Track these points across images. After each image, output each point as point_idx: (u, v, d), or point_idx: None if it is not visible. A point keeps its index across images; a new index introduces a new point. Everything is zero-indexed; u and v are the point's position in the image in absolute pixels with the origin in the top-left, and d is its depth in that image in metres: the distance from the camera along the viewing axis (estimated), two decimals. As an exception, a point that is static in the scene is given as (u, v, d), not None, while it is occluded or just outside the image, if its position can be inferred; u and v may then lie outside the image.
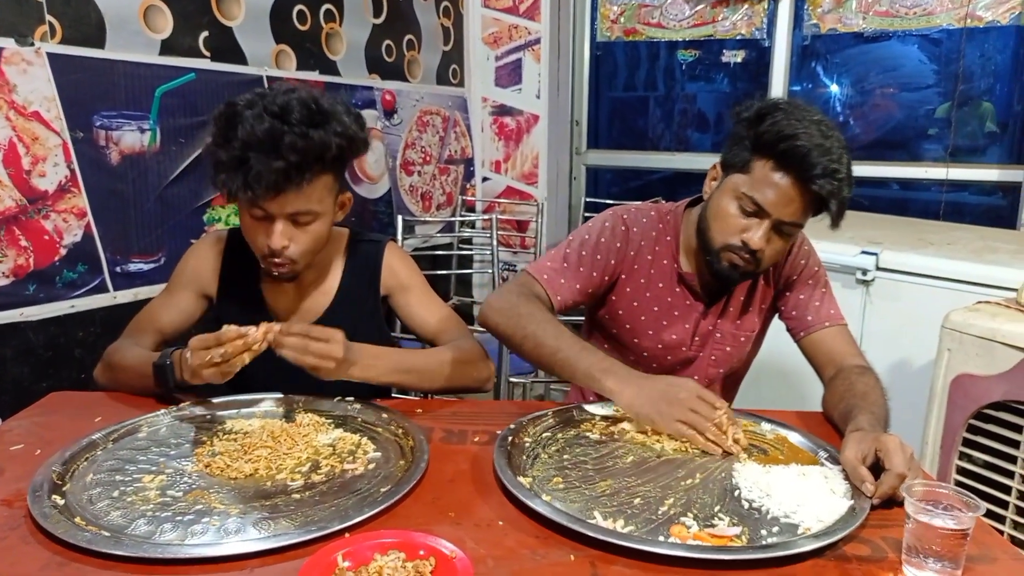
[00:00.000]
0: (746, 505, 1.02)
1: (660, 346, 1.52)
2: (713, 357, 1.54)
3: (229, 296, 1.47)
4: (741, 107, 1.37)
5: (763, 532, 0.95)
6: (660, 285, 1.50)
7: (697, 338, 1.53)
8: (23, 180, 2.08)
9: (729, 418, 1.17)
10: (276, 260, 1.33)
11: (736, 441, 1.16)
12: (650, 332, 1.52)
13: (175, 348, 1.30)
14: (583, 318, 1.68)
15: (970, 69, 3.13)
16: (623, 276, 1.50)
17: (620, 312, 1.52)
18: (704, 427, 1.15)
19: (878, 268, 2.19)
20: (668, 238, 1.50)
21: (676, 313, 1.51)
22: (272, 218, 1.29)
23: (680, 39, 3.68)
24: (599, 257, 1.47)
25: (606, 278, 1.48)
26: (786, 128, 1.26)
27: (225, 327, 1.20)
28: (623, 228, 1.49)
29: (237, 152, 1.22)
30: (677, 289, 1.50)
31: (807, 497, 1.02)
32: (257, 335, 1.19)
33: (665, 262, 1.50)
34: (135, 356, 1.36)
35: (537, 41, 3.79)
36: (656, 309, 1.51)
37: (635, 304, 1.51)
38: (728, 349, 1.54)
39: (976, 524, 0.88)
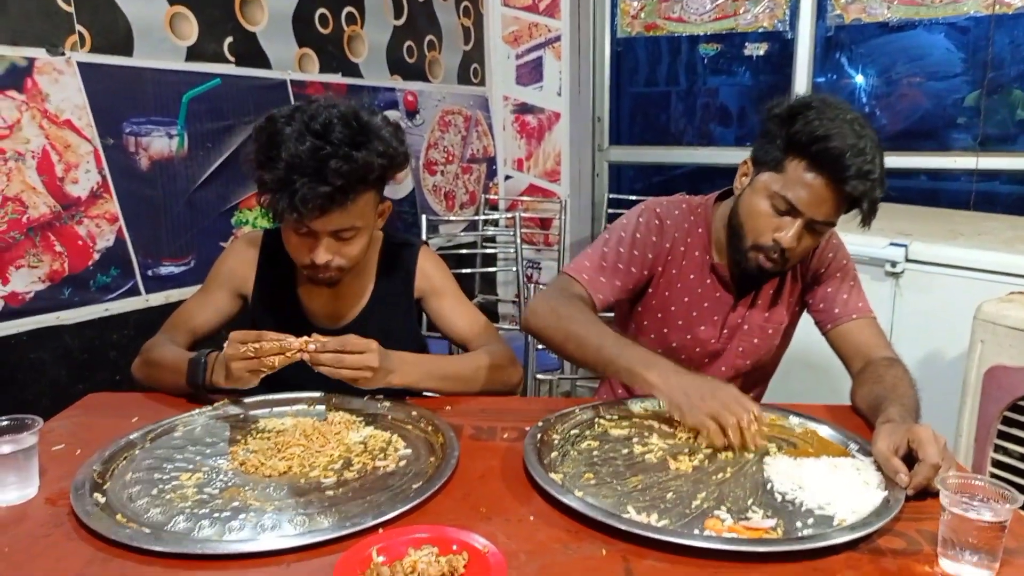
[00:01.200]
0: (779, 498, 1.02)
1: (689, 337, 1.52)
2: (740, 349, 1.54)
3: (265, 297, 1.49)
4: (773, 104, 1.36)
5: (798, 524, 0.95)
6: (691, 277, 1.50)
7: (726, 330, 1.52)
8: (57, 187, 2.13)
9: (758, 423, 1.15)
10: (320, 270, 1.34)
11: (752, 443, 1.14)
12: (680, 323, 1.52)
13: (213, 350, 1.32)
14: (613, 313, 1.68)
15: (999, 56, 3.07)
16: (660, 269, 1.50)
17: (653, 303, 1.53)
18: (728, 423, 1.13)
19: (908, 260, 2.17)
20: (700, 230, 1.50)
21: (706, 305, 1.51)
22: (316, 234, 1.30)
23: (701, 33, 3.65)
24: (636, 253, 1.47)
25: (645, 272, 1.49)
26: (819, 129, 1.25)
27: (266, 332, 1.22)
28: (657, 222, 1.49)
29: (281, 174, 1.22)
30: (708, 281, 1.50)
31: (840, 489, 1.02)
32: (294, 344, 1.21)
33: (697, 254, 1.50)
34: (171, 354, 1.39)
35: (557, 38, 3.79)
36: (687, 300, 1.51)
37: (667, 294, 1.51)
38: (756, 341, 1.54)
39: (1013, 517, 0.87)
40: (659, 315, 1.53)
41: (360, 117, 1.29)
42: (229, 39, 2.58)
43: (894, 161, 3.17)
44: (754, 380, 1.61)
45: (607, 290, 1.45)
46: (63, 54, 2.13)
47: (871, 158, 1.25)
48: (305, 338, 1.22)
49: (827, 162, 1.26)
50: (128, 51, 2.29)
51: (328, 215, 1.27)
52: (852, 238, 2.18)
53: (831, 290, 1.49)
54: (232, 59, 2.59)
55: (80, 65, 2.16)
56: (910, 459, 1.03)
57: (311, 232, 1.30)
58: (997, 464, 1.61)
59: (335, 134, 1.24)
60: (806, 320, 1.56)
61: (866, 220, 1.31)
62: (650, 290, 1.52)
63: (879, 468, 1.06)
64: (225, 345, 1.24)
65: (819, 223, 1.31)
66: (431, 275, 1.54)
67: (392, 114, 3.32)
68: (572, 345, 1.35)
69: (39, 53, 2.08)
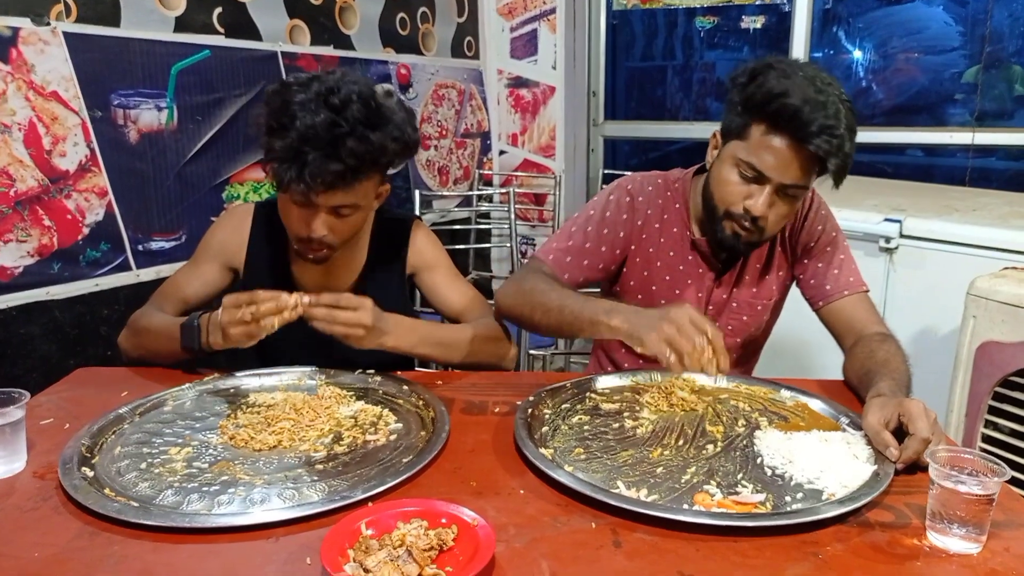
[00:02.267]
0: (769, 472, 1.02)
1: None
2: (730, 327, 1.52)
3: (256, 269, 1.48)
4: (736, 72, 1.34)
5: (787, 499, 0.95)
6: (671, 253, 1.48)
7: (711, 307, 1.51)
8: (44, 160, 2.10)
9: (715, 344, 1.09)
10: (312, 245, 1.33)
11: (717, 366, 1.08)
12: (662, 302, 1.47)
13: (204, 311, 1.31)
14: (598, 291, 1.67)
15: (998, 31, 3.04)
16: (633, 247, 1.48)
17: (632, 283, 1.51)
18: (683, 347, 1.07)
19: (902, 235, 2.16)
20: (677, 205, 1.48)
21: (688, 281, 1.49)
22: (315, 207, 1.29)
23: (698, 5, 3.61)
24: (606, 231, 1.45)
25: (616, 251, 1.47)
26: (775, 86, 1.22)
27: (258, 292, 1.21)
28: (628, 199, 1.46)
29: (293, 144, 1.20)
30: (689, 257, 1.48)
31: (830, 463, 1.02)
32: (289, 302, 1.20)
33: (676, 230, 1.48)
34: (161, 319, 1.39)
35: (552, 11, 3.74)
36: (668, 278, 1.49)
37: (646, 274, 1.49)
38: (745, 318, 1.52)
39: (1002, 490, 0.87)
40: (639, 295, 1.51)
41: (377, 97, 1.28)
42: (218, 9, 2.54)
43: (889, 136, 3.19)
44: (745, 356, 1.61)
45: (574, 270, 1.44)
46: (48, 24, 2.09)
47: (834, 112, 1.20)
48: (297, 294, 1.21)
49: (786, 119, 1.22)
50: (115, 21, 2.25)
51: (333, 192, 1.26)
52: (847, 213, 2.18)
53: (821, 265, 1.47)
54: (221, 30, 2.55)
55: (66, 35, 2.13)
56: (901, 433, 1.04)
57: (310, 204, 1.29)
58: (987, 439, 1.62)
59: (352, 111, 1.22)
60: (798, 295, 1.55)
61: (836, 182, 1.26)
62: (626, 269, 1.50)
63: (870, 442, 1.07)
64: (219, 314, 1.23)
65: (789, 187, 1.28)
66: (424, 250, 1.54)
67: (386, 86, 3.28)
68: (539, 314, 1.33)
69: (24, 23, 2.04)
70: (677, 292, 1.49)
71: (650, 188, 1.48)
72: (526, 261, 1.51)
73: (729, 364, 1.10)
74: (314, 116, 1.20)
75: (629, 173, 1.57)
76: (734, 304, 1.51)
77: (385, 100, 1.29)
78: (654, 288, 1.49)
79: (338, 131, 1.20)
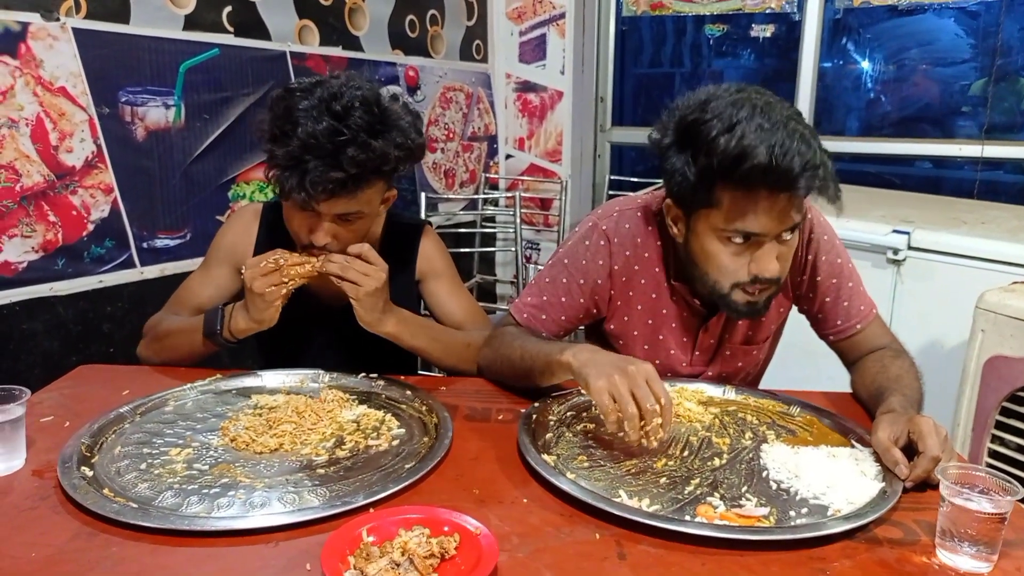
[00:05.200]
0: (774, 486, 1.01)
1: (657, 362, 1.35)
2: (724, 374, 1.41)
3: None
4: (652, 133, 1.22)
5: (791, 513, 0.94)
6: (653, 296, 1.35)
7: (698, 352, 1.39)
8: (51, 155, 2.10)
9: (663, 417, 1.00)
10: (316, 251, 1.33)
11: (653, 438, 1.00)
12: (645, 347, 1.38)
13: (229, 303, 1.34)
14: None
15: (1008, 43, 3.03)
16: (613, 292, 1.35)
17: (612, 328, 1.39)
18: (627, 408, 0.98)
19: (910, 247, 2.15)
20: (658, 242, 1.33)
21: (673, 326, 1.36)
22: (319, 214, 1.28)
23: (708, 13, 3.60)
24: (582, 282, 1.34)
25: (595, 298, 1.35)
26: (730, 147, 1.06)
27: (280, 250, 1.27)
28: (603, 242, 1.33)
29: (295, 152, 1.20)
30: (672, 298, 1.35)
31: (837, 479, 1.00)
32: (312, 258, 1.26)
33: (657, 270, 1.34)
34: (181, 320, 1.41)
35: (562, 16, 3.74)
36: (650, 322, 1.37)
37: (626, 319, 1.37)
38: (740, 364, 1.41)
39: (1013, 508, 0.86)
40: (620, 342, 1.39)
41: (381, 102, 1.27)
42: (228, 8, 2.54)
43: (898, 147, 3.18)
44: (744, 383, 1.49)
45: (550, 326, 1.35)
46: (58, 19, 2.09)
47: (798, 137, 1.05)
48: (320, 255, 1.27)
49: (759, 177, 1.06)
50: (124, 18, 2.25)
51: (336, 199, 1.25)
52: (854, 224, 2.17)
53: (829, 300, 1.35)
54: (231, 29, 2.55)
55: (75, 31, 2.13)
56: (910, 450, 1.02)
57: (314, 211, 1.28)
58: (994, 455, 1.60)
59: (354, 118, 1.21)
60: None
61: (832, 201, 1.12)
62: (606, 315, 1.38)
63: (878, 459, 1.05)
64: (243, 271, 1.26)
65: (786, 231, 1.15)
66: (432, 257, 1.53)
67: (392, 89, 3.28)
68: (506, 368, 1.28)
69: (33, 18, 2.04)
70: (661, 337, 1.37)
71: (627, 225, 1.33)
72: (502, 317, 1.42)
73: (671, 436, 1.07)
74: (316, 124, 1.19)
75: (635, 179, 1.52)
76: (727, 352, 1.39)
77: (390, 104, 1.28)
78: (636, 333, 1.38)
79: (339, 139, 1.20)
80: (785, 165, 1.04)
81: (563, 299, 1.35)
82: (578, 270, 1.34)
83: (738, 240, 1.15)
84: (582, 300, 1.35)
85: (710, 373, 1.41)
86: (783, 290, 1.37)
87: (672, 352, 1.38)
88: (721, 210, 1.13)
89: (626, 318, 1.38)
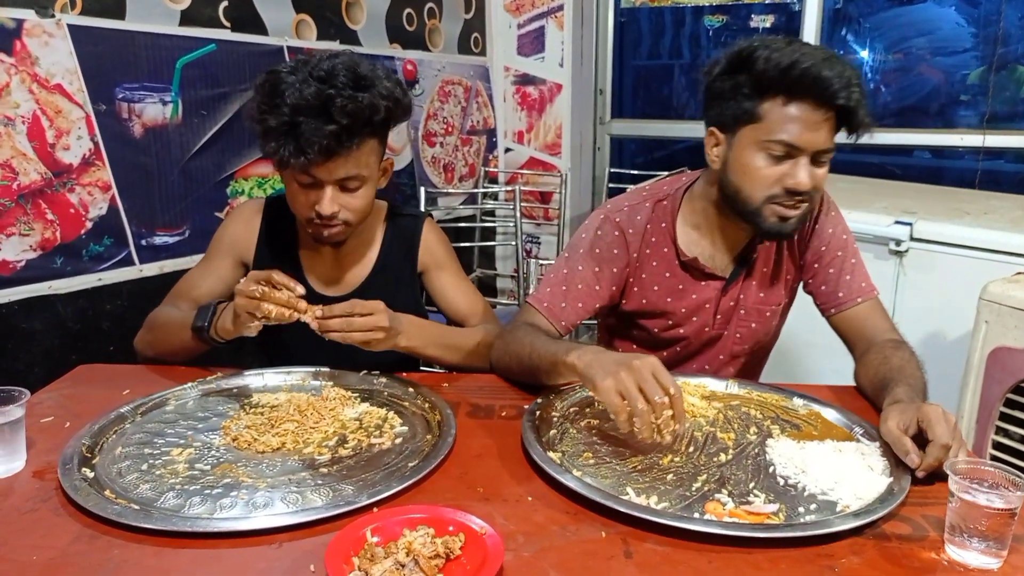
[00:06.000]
0: (781, 482, 1.00)
1: (681, 331, 1.47)
2: (738, 335, 1.49)
3: (267, 265, 1.46)
4: (707, 68, 1.33)
5: (800, 509, 0.93)
6: (667, 275, 1.44)
7: (719, 316, 1.46)
8: (48, 153, 2.08)
9: (674, 408, 1.00)
10: (323, 226, 1.32)
11: (665, 432, 1.00)
12: (669, 323, 1.46)
13: (224, 300, 1.32)
14: (595, 321, 1.64)
15: (1009, 32, 3.01)
16: (630, 279, 1.44)
17: (632, 311, 1.47)
18: (636, 403, 0.99)
19: (912, 239, 2.14)
20: (663, 224, 1.43)
21: (694, 296, 1.44)
22: (320, 184, 1.29)
23: (707, 4, 3.58)
24: (599, 270, 1.41)
25: (613, 287, 1.43)
26: (784, 58, 1.20)
27: (276, 273, 1.20)
28: (618, 233, 1.41)
29: (287, 117, 1.22)
30: (686, 273, 1.44)
31: (844, 474, 1.00)
32: (302, 306, 1.19)
33: (666, 250, 1.43)
34: (177, 313, 1.39)
35: (560, 8, 3.71)
36: (670, 300, 1.45)
37: (644, 301, 1.45)
38: (753, 325, 1.49)
39: (1022, 504, 0.85)
40: (639, 320, 1.48)
41: (363, 65, 1.30)
42: (224, 3, 2.51)
43: (898, 137, 3.17)
44: (753, 361, 1.58)
45: (570, 315, 1.40)
46: (53, 16, 2.07)
47: (843, 66, 1.20)
48: (312, 309, 1.20)
49: (808, 84, 1.20)
50: (120, 14, 2.23)
51: (334, 159, 1.25)
52: (856, 215, 2.16)
53: (833, 271, 1.43)
54: (227, 24, 2.53)
55: (71, 28, 2.11)
56: (920, 440, 1.01)
57: (316, 183, 1.29)
58: (998, 446, 1.60)
59: (339, 79, 1.24)
60: (805, 298, 1.53)
61: (860, 134, 1.25)
62: (624, 300, 1.46)
63: (884, 453, 1.04)
64: (240, 284, 1.22)
65: (821, 152, 1.25)
66: (434, 248, 1.53)
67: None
68: (516, 365, 1.31)
69: (28, 14, 2.02)
70: (684, 310, 1.45)
71: (639, 217, 1.42)
72: (521, 307, 1.45)
73: (684, 429, 1.07)
74: (304, 88, 1.22)
75: (635, 172, 1.53)
76: (742, 311, 1.47)
77: (368, 68, 1.30)
78: (655, 310, 1.46)
79: (327, 94, 1.22)
80: (828, 75, 1.18)
81: (580, 286, 1.41)
82: (594, 259, 1.41)
83: (777, 152, 1.25)
84: (598, 288, 1.41)
85: (727, 334, 1.49)
86: (792, 256, 1.47)
87: (695, 319, 1.46)
88: (765, 124, 1.25)
89: (644, 300, 1.46)
